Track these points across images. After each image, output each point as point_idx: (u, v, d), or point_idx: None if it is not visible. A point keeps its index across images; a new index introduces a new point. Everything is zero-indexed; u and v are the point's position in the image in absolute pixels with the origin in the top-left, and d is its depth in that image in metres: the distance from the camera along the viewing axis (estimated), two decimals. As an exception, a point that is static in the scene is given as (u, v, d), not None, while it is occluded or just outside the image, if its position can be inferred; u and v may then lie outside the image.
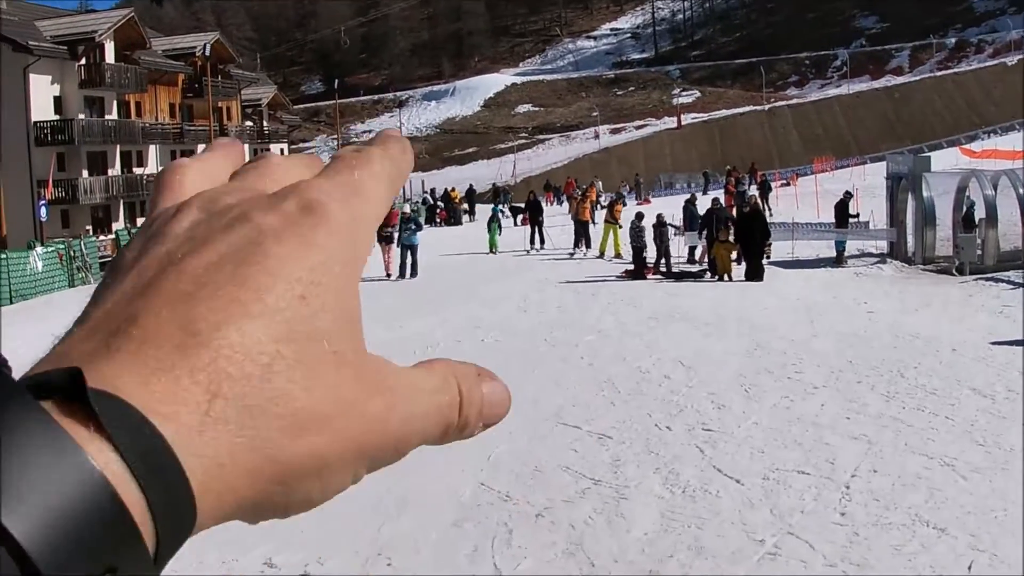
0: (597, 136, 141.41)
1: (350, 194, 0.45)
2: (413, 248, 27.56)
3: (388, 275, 27.48)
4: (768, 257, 24.54)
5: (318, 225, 0.42)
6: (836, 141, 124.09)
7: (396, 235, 28.44)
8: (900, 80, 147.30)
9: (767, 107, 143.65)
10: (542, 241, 32.78)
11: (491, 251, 32.46)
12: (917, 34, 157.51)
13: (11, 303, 29.25)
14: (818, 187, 44.66)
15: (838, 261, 25.56)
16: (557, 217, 41.08)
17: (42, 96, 48.85)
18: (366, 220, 0.47)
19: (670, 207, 30.62)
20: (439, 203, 54.93)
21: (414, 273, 27.42)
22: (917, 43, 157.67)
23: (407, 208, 30.58)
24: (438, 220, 51.62)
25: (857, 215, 27.30)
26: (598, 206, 36.09)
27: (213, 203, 0.43)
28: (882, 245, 26.63)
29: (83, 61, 50.94)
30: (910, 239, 25.49)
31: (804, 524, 7.58)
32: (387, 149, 0.52)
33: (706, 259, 24.88)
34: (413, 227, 28.11)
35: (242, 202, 0.43)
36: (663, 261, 25.06)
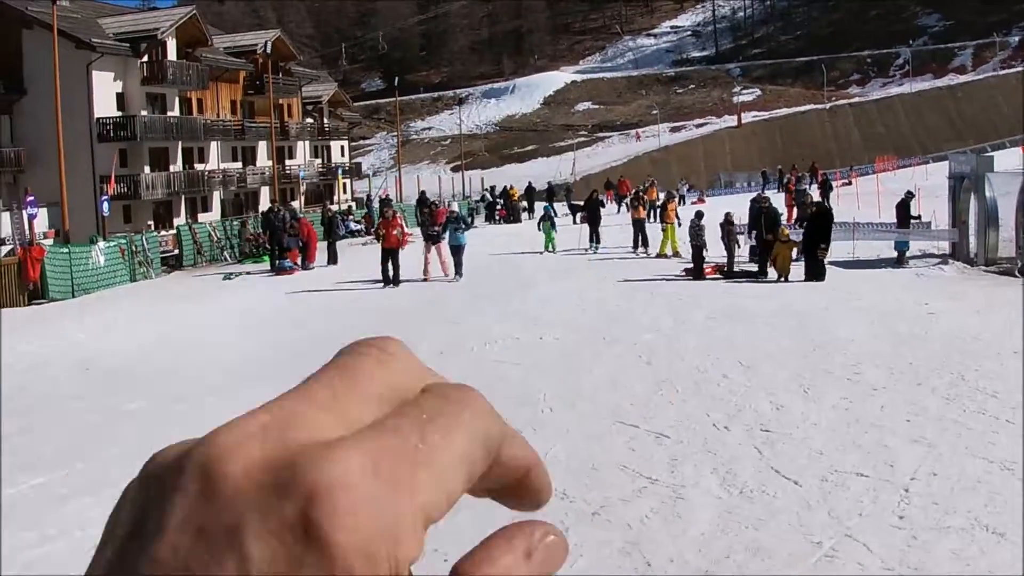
0: (638, 137, 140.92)
1: (389, 490, 0.36)
2: (460, 248, 26.47)
3: (425, 278, 26.47)
4: (821, 260, 24.40)
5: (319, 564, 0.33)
6: (898, 140, 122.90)
7: (441, 234, 27.36)
8: (963, 79, 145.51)
9: (828, 106, 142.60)
10: (598, 241, 32.40)
11: (546, 250, 32.08)
12: (980, 32, 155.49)
13: (73, 296, 29.67)
14: (879, 186, 44.32)
15: (899, 262, 25.35)
16: (614, 216, 41.03)
17: (105, 93, 49.44)
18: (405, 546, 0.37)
19: (729, 206, 30.37)
20: (498, 200, 54.96)
21: (458, 273, 26.36)
22: (980, 41, 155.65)
23: (455, 206, 30.11)
24: (497, 217, 51.67)
25: (919, 216, 27.07)
26: (655, 205, 35.91)
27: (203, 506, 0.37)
28: (944, 246, 26.33)
29: (146, 58, 51.48)
30: (972, 240, 25.16)
31: (862, 527, 7.55)
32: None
33: (756, 258, 24.71)
34: (462, 226, 27.15)
35: (235, 499, 0.36)
36: (731, 260, 24.98)
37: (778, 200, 41.45)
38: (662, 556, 7.16)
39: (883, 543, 7.24)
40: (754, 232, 24.94)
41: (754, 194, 33.96)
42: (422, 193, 57.14)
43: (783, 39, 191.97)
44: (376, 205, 50.08)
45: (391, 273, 25.64)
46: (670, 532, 7.56)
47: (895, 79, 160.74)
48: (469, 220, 29.53)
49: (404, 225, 27.59)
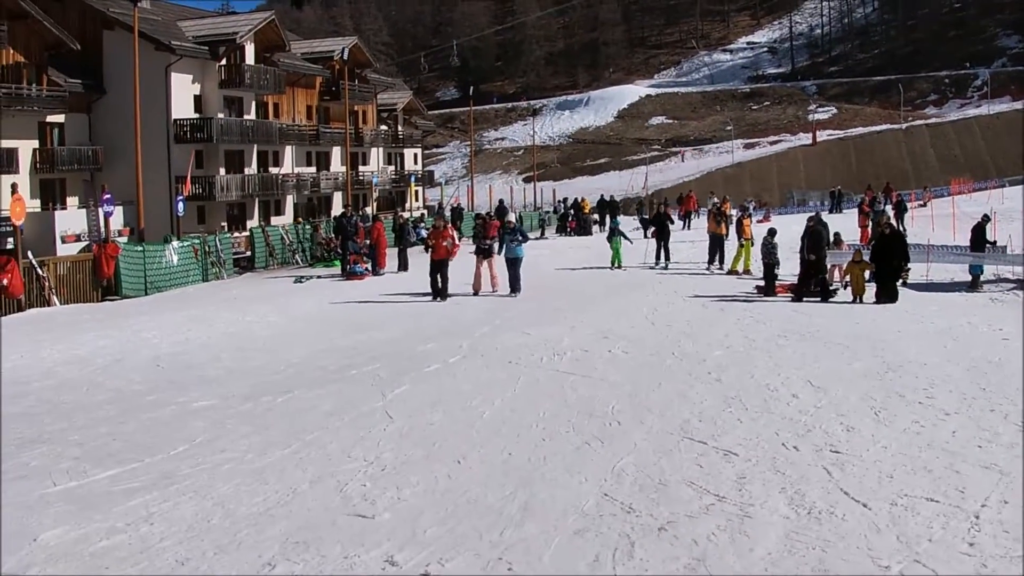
0: (680, 154, 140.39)
1: None
2: (517, 261, 25.35)
3: (475, 292, 25.51)
4: (905, 282, 24.17)
5: None
6: (974, 162, 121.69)
7: (496, 247, 26.67)
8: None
9: (904, 126, 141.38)
10: (667, 256, 31.99)
11: (613, 266, 31.42)
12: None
13: (146, 294, 30.16)
14: (955, 209, 43.84)
15: (973, 286, 25.05)
16: (682, 232, 40.86)
17: (183, 95, 50.18)
18: None
19: (799, 224, 30.10)
20: (570, 212, 55.03)
21: (515, 289, 25.15)
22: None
23: (512, 218, 29.52)
24: (568, 229, 51.75)
25: (994, 242, 26.73)
26: (731, 221, 35.67)
27: None
28: (1019, 271, 25.98)
29: (224, 62, 52.19)
30: (1048, 265, 24.88)
31: (931, 552, 7.45)
32: None
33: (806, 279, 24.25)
34: (519, 238, 25.93)
35: None
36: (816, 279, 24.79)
37: (842, 221, 41.16)
38: (728, 574, 7.12)
39: (952, 569, 7.14)
40: (802, 251, 24.45)
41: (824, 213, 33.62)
42: (500, 202, 57.26)
43: (860, 57, 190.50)
44: (448, 213, 50.20)
45: (440, 286, 24.72)
46: (736, 551, 7.50)
47: (973, 100, 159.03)
48: (526, 232, 28.34)
49: (455, 236, 26.97)
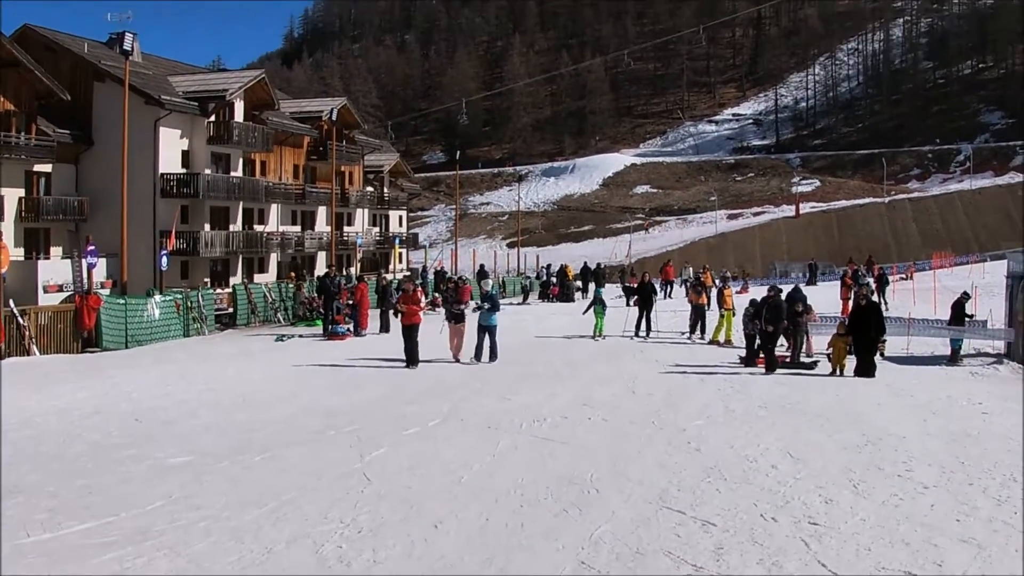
0: (646, 226, 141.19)
1: None
2: (491, 329, 24.61)
3: (456, 359, 24.59)
4: (882, 354, 24.23)
5: None
6: (956, 237, 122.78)
7: (466, 313, 25.73)
8: (1023, 177, 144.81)
9: (887, 199, 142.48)
10: (648, 328, 31.62)
11: (595, 336, 30.58)
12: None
13: (126, 347, 30.12)
14: (936, 283, 44.06)
15: (953, 359, 25.15)
16: (661, 302, 40.92)
17: (171, 149, 50.37)
18: None
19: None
20: (552, 278, 55.15)
21: (493, 357, 24.42)
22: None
23: (489, 284, 28.81)
24: (551, 295, 51.84)
25: (972, 316, 26.88)
26: (711, 290, 35.72)
27: None
28: (999, 345, 26.14)
29: (213, 118, 52.41)
30: (1029, 340, 25.00)
31: (909, 626, 7.45)
32: None
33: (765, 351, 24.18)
34: (488, 306, 24.90)
35: None
36: (799, 350, 24.86)
37: (816, 292, 41.33)
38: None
39: (930, 645, 7.13)
40: (756, 323, 24.29)
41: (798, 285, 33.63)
42: (481, 266, 57.49)
43: (844, 131, 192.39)
44: (431, 277, 50.27)
45: (414, 352, 23.55)
46: (713, 621, 7.48)
47: (955, 175, 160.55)
48: (498, 298, 26.94)
49: (424, 299, 26.30)
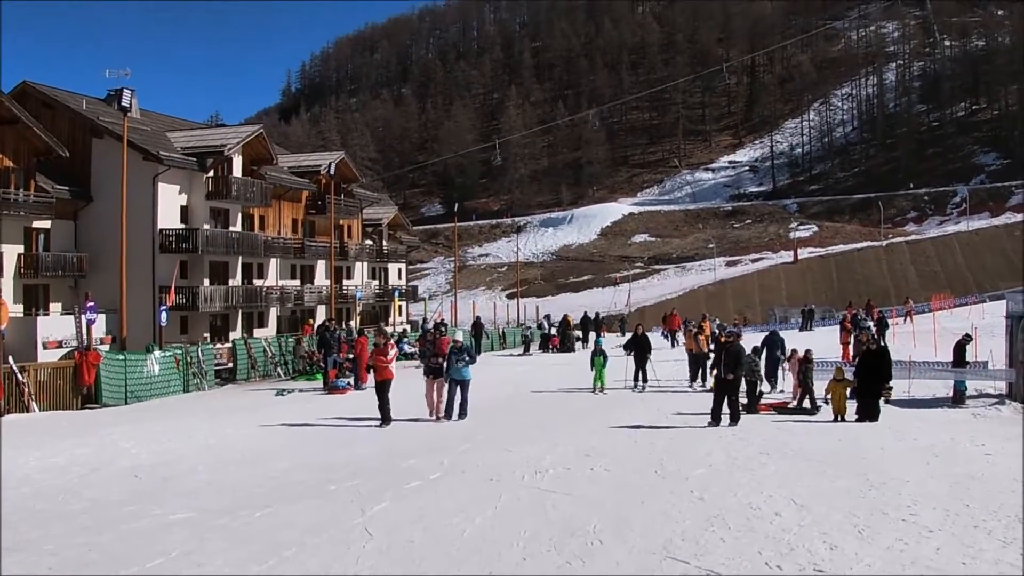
0: (616, 282, 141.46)
1: None
2: (464, 384, 23.44)
3: (436, 417, 23.34)
4: (887, 400, 24.16)
5: None
6: (954, 278, 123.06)
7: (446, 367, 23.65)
8: (1020, 217, 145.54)
9: (884, 243, 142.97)
10: (645, 380, 30.68)
11: (595, 390, 29.50)
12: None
13: (126, 403, 30.11)
14: (936, 325, 44.05)
15: (958, 401, 25.10)
16: (664, 351, 40.85)
17: (169, 204, 50.55)
18: None
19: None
20: (553, 327, 55.14)
21: (462, 414, 23.30)
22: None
23: (459, 336, 27.44)
24: (550, 346, 51.80)
25: (969, 361, 26.83)
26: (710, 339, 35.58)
27: None
28: (1001, 386, 26.09)
29: (211, 173, 52.62)
30: (1030, 380, 24.97)
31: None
32: None
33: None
34: (466, 359, 23.70)
35: None
36: (807, 397, 24.79)
37: (810, 338, 41.28)
38: None
39: None
40: (714, 371, 23.35)
41: (793, 331, 33.56)
42: (477, 318, 57.53)
43: (840, 176, 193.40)
44: (431, 327, 50.31)
45: (386, 409, 22.64)
46: (719, 672, 7.41)
47: (952, 217, 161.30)
48: (474, 352, 25.52)
49: (394, 352, 24.63)
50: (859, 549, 10.71)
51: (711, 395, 25.80)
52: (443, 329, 27.82)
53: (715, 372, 22.65)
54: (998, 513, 12.26)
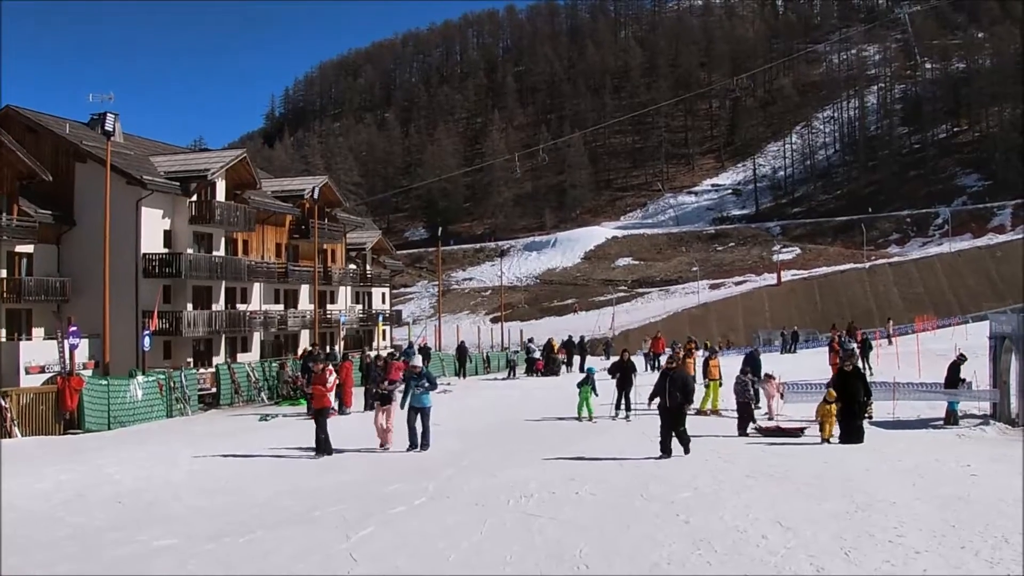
0: (575, 311, 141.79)
1: None
2: (424, 412, 22.22)
3: (383, 445, 22.48)
4: (870, 417, 24.18)
5: None
6: (937, 299, 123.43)
7: (399, 395, 23.07)
8: (1002, 238, 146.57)
9: (868, 265, 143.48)
10: (628, 407, 28.97)
11: (580, 415, 28.36)
12: (1020, 191, 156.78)
13: (109, 428, 29.99)
14: (919, 346, 44.16)
15: (950, 421, 25.18)
16: (647, 375, 40.83)
17: (153, 229, 50.35)
18: None
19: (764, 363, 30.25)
20: (537, 350, 55.06)
21: (424, 444, 22.14)
22: (1019, 200, 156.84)
23: (417, 360, 26.22)
24: (535, 370, 51.71)
25: (963, 380, 26.94)
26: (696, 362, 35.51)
27: None
28: (985, 406, 26.16)
29: (194, 198, 52.48)
30: (1014, 400, 25.08)
31: None
32: None
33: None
34: (425, 385, 22.46)
35: None
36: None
37: (794, 360, 41.32)
38: None
39: None
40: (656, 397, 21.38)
41: (775, 353, 33.53)
42: (461, 343, 57.47)
43: (823, 198, 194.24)
44: (415, 351, 50.20)
45: (323, 439, 21.92)
46: None
47: (934, 238, 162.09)
48: (434, 378, 23.68)
49: (333, 379, 23.92)
50: (846, 571, 10.70)
51: (696, 418, 25.81)
52: (394, 355, 26.75)
53: (657, 400, 20.98)
54: (984, 534, 12.26)
